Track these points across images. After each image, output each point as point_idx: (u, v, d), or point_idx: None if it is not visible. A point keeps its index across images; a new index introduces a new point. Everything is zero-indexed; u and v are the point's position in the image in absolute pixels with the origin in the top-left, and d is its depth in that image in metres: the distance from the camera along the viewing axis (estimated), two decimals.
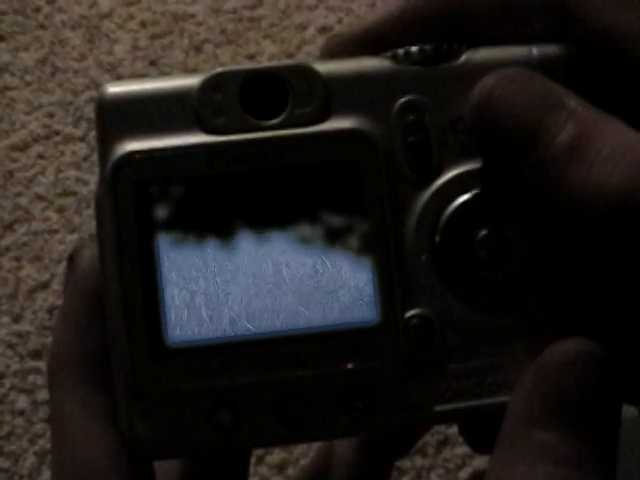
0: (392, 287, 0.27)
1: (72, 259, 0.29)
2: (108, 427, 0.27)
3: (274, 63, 0.29)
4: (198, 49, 0.90)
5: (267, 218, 0.28)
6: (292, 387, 0.27)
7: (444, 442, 0.75)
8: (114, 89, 0.28)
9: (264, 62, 0.88)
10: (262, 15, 0.91)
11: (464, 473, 0.75)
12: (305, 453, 0.74)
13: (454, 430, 0.74)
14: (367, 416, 0.27)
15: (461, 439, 0.73)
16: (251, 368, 0.27)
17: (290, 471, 0.75)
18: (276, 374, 0.27)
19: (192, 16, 0.91)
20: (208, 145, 0.28)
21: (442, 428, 0.74)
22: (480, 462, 0.74)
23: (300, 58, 0.89)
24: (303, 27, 0.91)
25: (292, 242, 0.28)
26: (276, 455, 0.74)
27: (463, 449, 0.74)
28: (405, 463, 0.74)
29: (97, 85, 0.87)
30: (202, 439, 0.27)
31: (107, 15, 0.91)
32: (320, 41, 0.90)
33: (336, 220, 0.28)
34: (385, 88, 0.28)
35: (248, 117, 0.28)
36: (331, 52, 0.30)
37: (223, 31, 0.90)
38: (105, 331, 0.27)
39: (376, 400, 0.28)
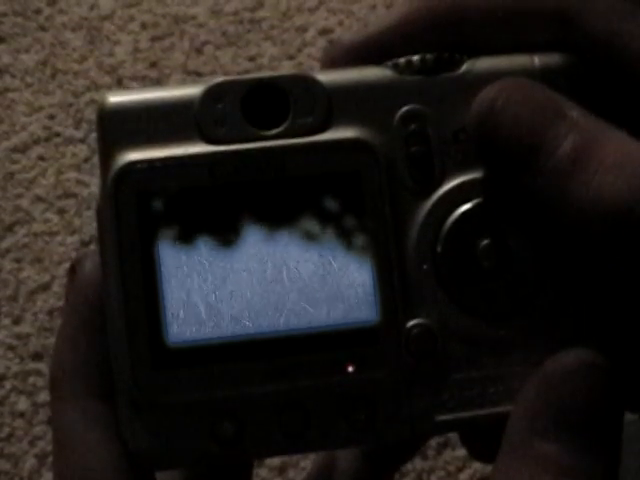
0: (394, 297, 0.27)
1: (74, 269, 0.29)
2: (110, 437, 0.27)
3: (275, 73, 0.28)
4: (199, 51, 0.90)
5: (267, 228, 0.28)
6: (294, 398, 0.27)
7: (444, 444, 0.75)
8: (115, 98, 0.28)
9: (265, 64, 0.88)
10: (263, 17, 0.91)
11: (464, 475, 0.75)
12: (305, 455, 0.74)
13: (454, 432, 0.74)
14: (368, 426, 0.27)
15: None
16: (252, 379, 0.27)
17: (291, 473, 0.75)
18: (278, 385, 0.27)
19: (193, 18, 0.91)
20: (209, 155, 0.28)
21: None
22: (480, 465, 0.74)
23: (301, 60, 0.89)
24: (304, 29, 0.91)
25: (293, 253, 0.28)
26: (277, 457, 0.74)
27: (463, 451, 0.74)
28: (406, 465, 0.74)
29: (98, 87, 0.87)
30: (204, 450, 0.27)
31: (108, 17, 0.91)
32: (321, 43, 0.90)
33: (337, 230, 0.28)
34: (386, 98, 0.28)
35: (249, 127, 0.28)
36: (332, 61, 0.30)
37: (224, 33, 0.90)
38: (107, 341, 0.27)
39: (377, 410, 0.27)
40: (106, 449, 0.27)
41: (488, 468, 0.74)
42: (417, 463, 0.74)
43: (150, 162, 0.27)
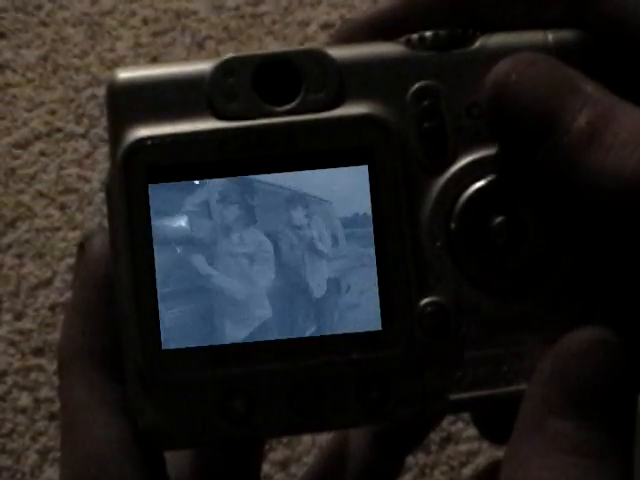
0: (407, 274, 0.27)
1: (82, 247, 0.28)
2: (119, 417, 0.27)
3: (287, 48, 0.28)
4: (200, 46, 0.90)
5: (279, 207, 0.27)
6: (306, 376, 0.27)
7: (447, 439, 0.75)
8: (125, 74, 0.28)
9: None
10: (264, 12, 0.91)
11: (468, 470, 0.75)
12: (308, 450, 0.74)
13: (457, 427, 0.74)
14: (382, 405, 0.27)
15: (464, 436, 0.73)
16: (265, 357, 0.27)
17: (293, 469, 0.74)
18: (290, 363, 0.27)
19: (194, 13, 0.91)
20: (220, 131, 0.27)
21: (445, 425, 0.74)
22: (484, 459, 0.74)
23: None
24: (305, 24, 0.91)
25: (305, 230, 0.27)
26: (279, 452, 0.74)
27: (467, 446, 0.74)
28: (408, 460, 0.74)
29: (99, 82, 0.87)
30: (215, 429, 0.27)
31: (109, 12, 0.91)
32: (322, 38, 0.90)
33: (350, 207, 0.27)
34: (399, 73, 0.28)
35: (261, 103, 0.28)
36: (344, 37, 0.29)
37: (225, 28, 0.90)
38: (116, 318, 0.27)
39: (391, 389, 0.27)
40: (115, 428, 0.27)
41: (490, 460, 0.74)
42: (420, 458, 0.74)
43: (160, 138, 0.27)
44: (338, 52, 0.28)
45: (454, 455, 0.75)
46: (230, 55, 0.28)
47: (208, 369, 0.27)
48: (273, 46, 0.89)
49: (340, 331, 0.27)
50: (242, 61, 0.28)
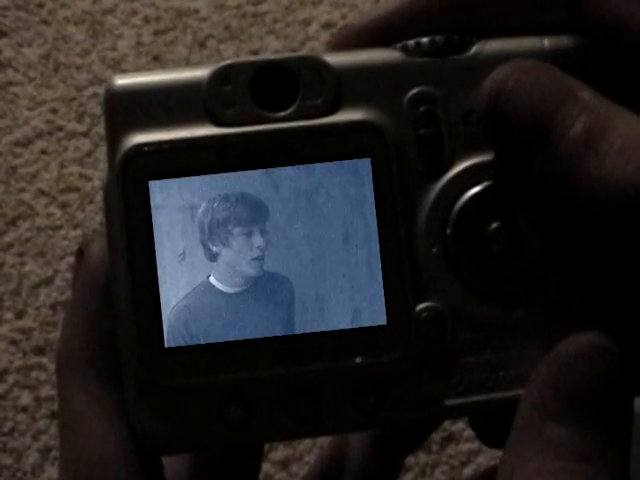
0: (403, 280, 0.27)
1: (81, 252, 0.28)
2: (117, 422, 0.27)
3: (284, 54, 0.28)
4: (202, 45, 0.90)
5: (277, 212, 0.27)
6: (304, 382, 0.27)
7: (448, 439, 0.75)
8: (122, 81, 0.28)
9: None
10: (266, 11, 0.91)
11: (468, 470, 0.75)
12: (309, 449, 0.74)
13: (458, 427, 0.74)
14: (379, 410, 0.27)
15: (465, 435, 0.73)
16: (263, 363, 0.27)
17: (294, 468, 0.74)
18: (287, 369, 0.27)
19: (196, 12, 0.91)
20: (217, 137, 0.27)
21: (446, 424, 0.74)
22: (484, 459, 0.74)
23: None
24: (307, 23, 0.91)
25: (303, 236, 0.27)
26: (280, 452, 0.74)
27: (467, 445, 0.74)
28: (409, 460, 0.74)
29: (100, 81, 0.87)
30: (213, 434, 0.27)
31: (110, 10, 0.91)
32: (324, 37, 0.90)
33: (347, 213, 0.27)
34: (396, 79, 0.28)
35: (258, 109, 0.28)
36: (341, 43, 0.29)
37: (227, 27, 0.90)
38: (114, 323, 0.27)
39: (388, 394, 0.27)
40: (114, 435, 0.27)
41: (492, 462, 0.74)
42: (421, 457, 0.74)
43: (158, 144, 0.27)
44: (335, 58, 0.28)
45: (455, 454, 0.75)
46: (227, 62, 0.28)
47: (206, 374, 0.27)
48: (274, 45, 0.89)
49: (336, 337, 0.27)
50: (239, 67, 0.28)
